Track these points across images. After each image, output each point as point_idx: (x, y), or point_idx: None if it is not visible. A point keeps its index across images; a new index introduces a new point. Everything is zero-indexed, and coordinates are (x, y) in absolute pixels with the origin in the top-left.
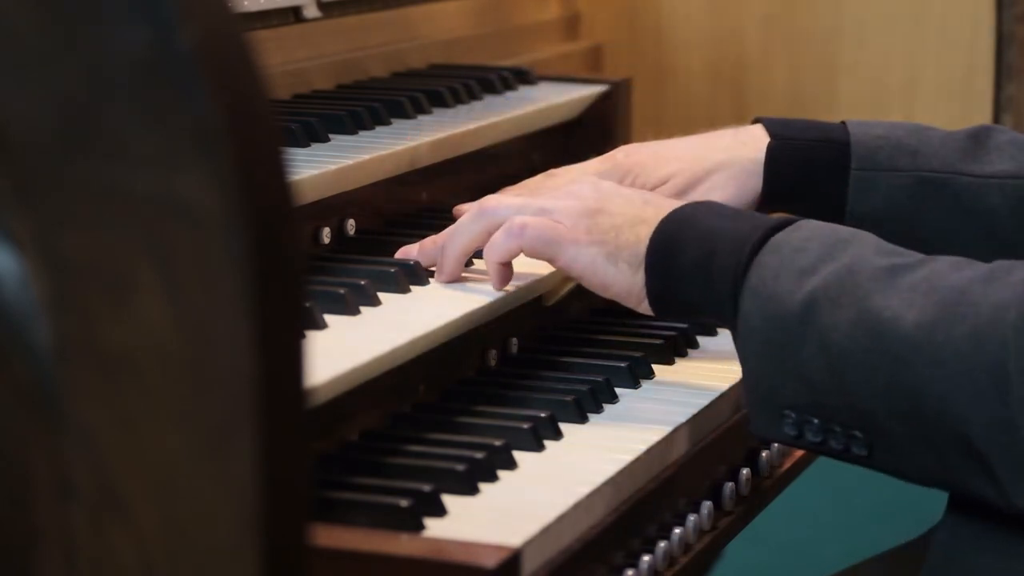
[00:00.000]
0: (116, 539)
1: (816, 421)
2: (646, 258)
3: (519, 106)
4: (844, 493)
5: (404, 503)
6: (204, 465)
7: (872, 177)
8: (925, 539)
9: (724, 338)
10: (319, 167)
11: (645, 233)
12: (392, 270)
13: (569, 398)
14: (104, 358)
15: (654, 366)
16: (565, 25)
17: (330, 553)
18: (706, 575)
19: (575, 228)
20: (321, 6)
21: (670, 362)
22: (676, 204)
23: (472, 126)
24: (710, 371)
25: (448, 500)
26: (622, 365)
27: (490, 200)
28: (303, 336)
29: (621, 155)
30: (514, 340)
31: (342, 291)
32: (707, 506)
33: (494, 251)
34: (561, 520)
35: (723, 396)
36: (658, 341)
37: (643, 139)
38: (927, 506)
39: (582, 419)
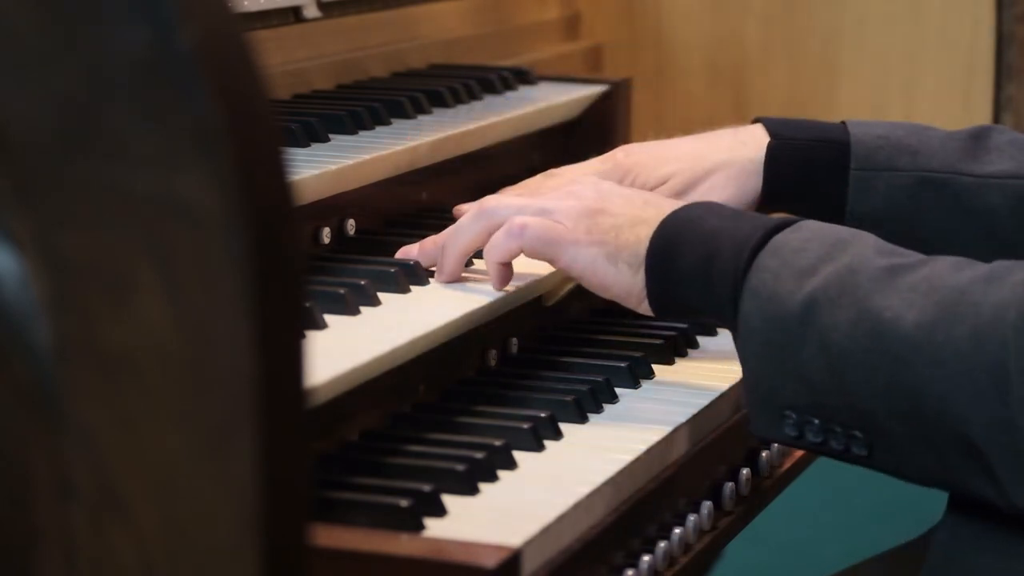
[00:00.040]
0: (116, 539)
1: (816, 421)
2: (646, 259)
3: (519, 106)
4: (844, 493)
5: (404, 503)
6: (204, 465)
7: (872, 177)
8: (925, 539)
9: (724, 338)
10: (319, 167)
11: (645, 234)
12: (392, 270)
13: (569, 398)
14: (104, 358)
15: (654, 366)
16: (565, 25)
17: (330, 553)
18: (706, 575)
19: (575, 228)
20: (321, 6)
21: (670, 362)
22: (676, 204)
23: (472, 126)
24: (710, 371)
25: (448, 500)
26: (622, 365)
27: (490, 200)
28: (303, 336)
29: (621, 155)
30: (514, 340)
31: (342, 291)
32: (707, 506)
33: (494, 251)
34: (561, 520)
35: (723, 396)
36: (658, 341)
37: (643, 139)
38: (927, 506)
39: (582, 419)
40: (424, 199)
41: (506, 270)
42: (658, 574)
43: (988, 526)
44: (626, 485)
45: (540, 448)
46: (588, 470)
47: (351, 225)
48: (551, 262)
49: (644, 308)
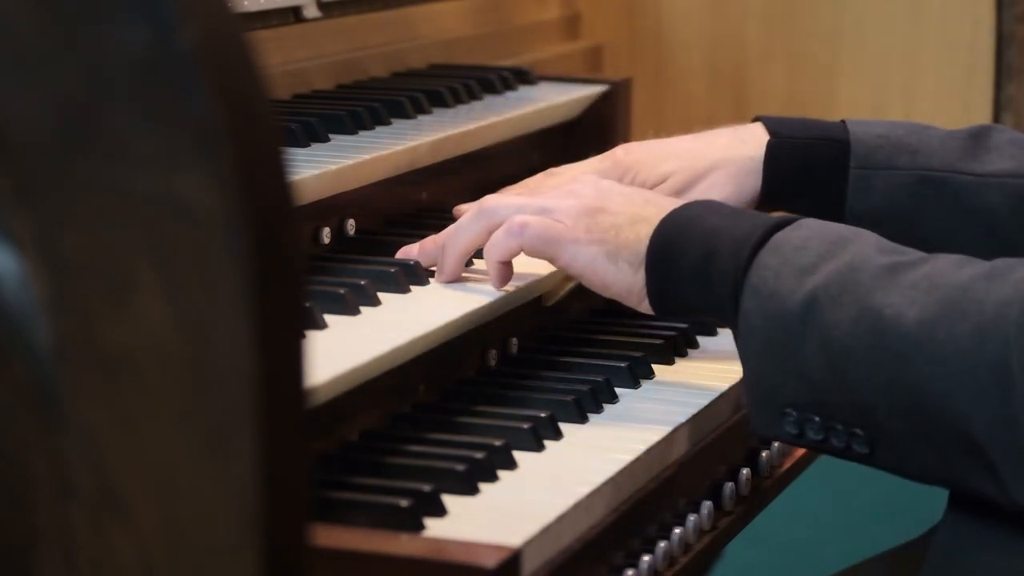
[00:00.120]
0: (116, 539)
1: (817, 419)
2: (646, 257)
3: (519, 106)
4: (844, 493)
5: (404, 503)
6: (204, 465)
7: (872, 176)
8: (925, 539)
9: (724, 338)
10: (319, 167)
11: (645, 232)
12: (392, 270)
13: (569, 398)
14: (104, 358)
15: (654, 366)
16: (565, 25)
17: (330, 553)
18: (706, 575)
19: (575, 227)
20: (321, 6)
21: (670, 362)
22: (676, 203)
23: (472, 126)
24: (710, 371)
25: (448, 500)
26: (622, 365)
27: (490, 199)
28: (303, 336)
29: (620, 153)
30: (514, 340)
31: (342, 291)
32: (707, 506)
33: (494, 250)
34: (561, 520)
35: (723, 396)
36: (658, 341)
37: (643, 139)
38: (927, 506)
39: (582, 419)
40: (424, 199)
41: (506, 269)
42: (658, 574)
43: (989, 524)
44: (626, 485)
45: (540, 448)
46: (588, 470)
47: (351, 225)
48: (551, 261)
49: (644, 307)
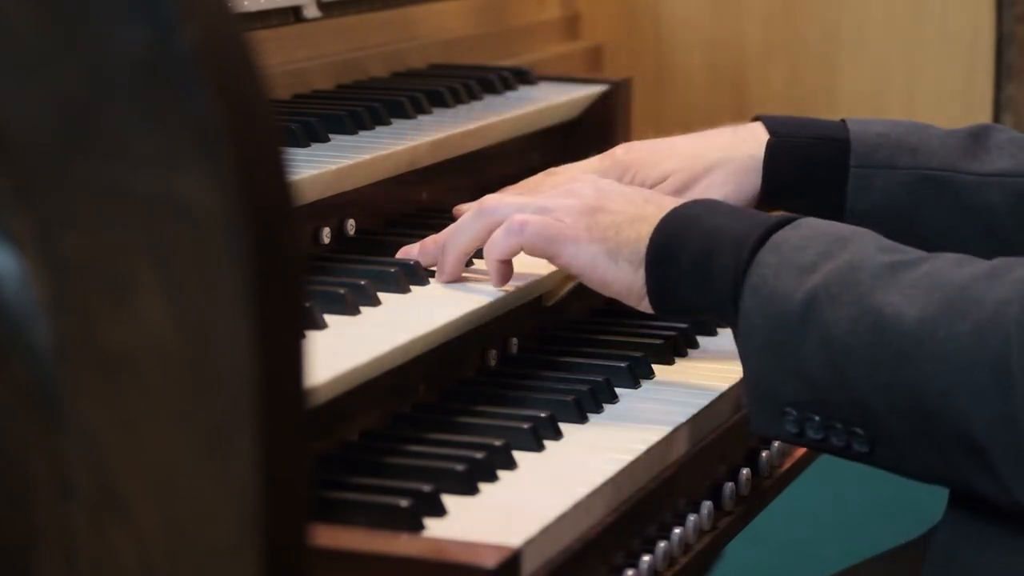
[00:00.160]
0: (116, 539)
1: (817, 418)
2: (646, 256)
3: (519, 106)
4: (844, 493)
5: (404, 503)
6: (204, 465)
7: (872, 175)
8: (925, 539)
9: (724, 338)
10: (319, 167)
11: (645, 231)
12: (392, 270)
13: (569, 398)
14: (104, 358)
15: (654, 366)
16: (565, 25)
17: (330, 553)
18: (706, 575)
19: (575, 226)
20: (321, 6)
21: (670, 362)
22: (676, 202)
23: (472, 126)
24: (710, 371)
25: (448, 500)
26: (622, 365)
27: (490, 199)
28: (303, 336)
29: (620, 152)
30: (514, 340)
31: (342, 291)
32: (707, 506)
33: (494, 249)
34: (561, 520)
35: (723, 396)
36: (658, 341)
37: (643, 139)
38: (927, 506)
39: (582, 419)
40: (424, 199)
41: (506, 268)
42: (658, 574)
43: (989, 523)
44: (626, 485)
45: (540, 448)
46: (588, 470)
47: (351, 225)
48: (551, 260)
49: (644, 306)
